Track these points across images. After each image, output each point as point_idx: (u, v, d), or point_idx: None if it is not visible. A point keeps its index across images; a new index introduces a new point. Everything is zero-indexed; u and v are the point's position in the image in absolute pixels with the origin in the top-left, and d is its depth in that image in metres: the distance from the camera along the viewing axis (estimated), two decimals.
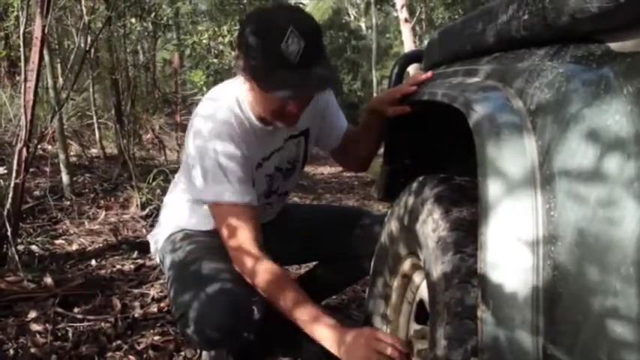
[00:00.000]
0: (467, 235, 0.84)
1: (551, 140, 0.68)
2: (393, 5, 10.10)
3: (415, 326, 1.14)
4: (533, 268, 0.64)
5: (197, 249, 1.43)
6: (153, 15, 5.55)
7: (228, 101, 1.33)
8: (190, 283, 1.30)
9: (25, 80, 2.23)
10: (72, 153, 4.82)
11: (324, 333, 1.10)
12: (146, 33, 6.39)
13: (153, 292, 2.21)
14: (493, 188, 0.70)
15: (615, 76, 0.66)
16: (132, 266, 2.55)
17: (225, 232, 1.27)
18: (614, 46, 0.70)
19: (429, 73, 1.19)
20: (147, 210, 3.43)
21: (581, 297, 0.59)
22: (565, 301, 0.60)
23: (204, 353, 1.45)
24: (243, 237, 1.24)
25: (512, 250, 0.66)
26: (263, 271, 1.20)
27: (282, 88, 1.16)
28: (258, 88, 1.24)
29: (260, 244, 1.25)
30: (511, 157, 0.70)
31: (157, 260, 1.57)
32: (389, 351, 1.00)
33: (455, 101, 0.89)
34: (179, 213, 1.53)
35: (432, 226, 0.92)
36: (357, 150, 1.57)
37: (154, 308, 2.07)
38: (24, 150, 2.24)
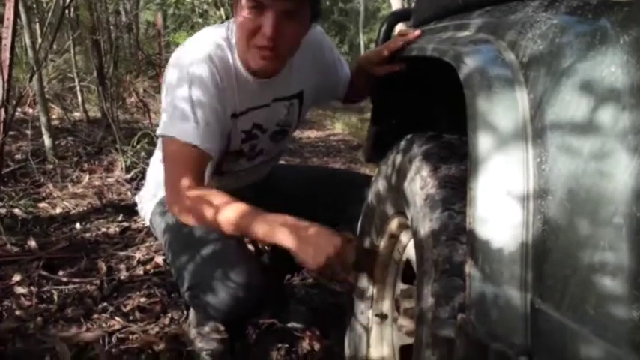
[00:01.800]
0: (455, 192, 0.83)
1: (543, 93, 0.66)
2: None
3: (402, 285, 1.14)
4: (522, 223, 0.63)
5: None
6: None
7: (216, 38, 1.26)
8: (191, 247, 1.25)
9: (0, 38, 2.15)
10: (54, 116, 4.72)
11: (283, 236, 1.10)
12: None
13: (139, 255, 2.20)
14: (483, 142, 0.68)
15: (612, 26, 0.64)
16: (117, 229, 2.53)
17: (170, 168, 1.23)
18: None
19: (418, 32, 1.15)
20: (131, 173, 3.38)
21: (570, 251, 0.58)
22: (554, 255, 0.59)
23: (191, 313, 1.45)
24: (185, 176, 1.19)
25: (501, 205, 0.64)
26: (200, 196, 1.18)
27: None
28: (238, 6, 1.19)
29: (199, 185, 1.22)
30: (502, 110, 0.68)
31: (147, 222, 1.54)
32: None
33: (445, 55, 0.86)
34: None
35: (420, 183, 0.91)
36: (349, 93, 1.56)
37: (139, 271, 2.06)
38: (2, 111, 2.18)
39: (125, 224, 2.59)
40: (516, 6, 0.83)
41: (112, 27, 5.42)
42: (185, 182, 1.19)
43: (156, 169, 1.55)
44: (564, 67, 0.66)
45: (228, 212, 1.15)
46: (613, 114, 0.60)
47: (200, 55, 1.23)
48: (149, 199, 1.51)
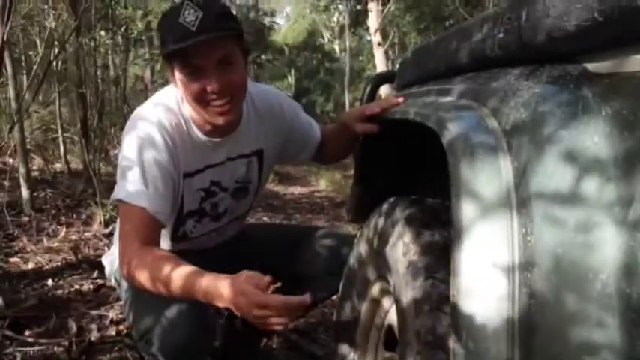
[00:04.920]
0: (439, 259, 0.80)
1: (527, 162, 0.65)
2: (367, 29, 10.21)
3: (384, 353, 1.10)
4: (508, 295, 0.60)
5: None
6: (123, 29, 5.48)
7: (169, 101, 1.27)
8: (151, 304, 1.23)
9: None
10: (35, 167, 4.67)
11: (218, 296, 1.03)
12: (117, 47, 6.30)
13: (112, 314, 2.11)
14: (466, 211, 0.67)
15: (593, 97, 0.64)
16: (91, 286, 2.44)
17: (122, 230, 1.22)
18: (591, 66, 0.68)
19: (402, 98, 1.16)
20: (110, 227, 3.31)
21: (559, 327, 0.55)
22: (542, 331, 0.57)
23: None
24: (135, 238, 1.17)
25: (486, 277, 0.62)
26: (145, 260, 1.14)
27: (177, 47, 1.13)
28: (175, 74, 1.19)
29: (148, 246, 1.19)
30: (485, 178, 0.67)
31: (113, 282, 1.49)
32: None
33: (428, 120, 0.86)
34: None
35: (402, 249, 0.88)
36: (328, 152, 1.55)
37: (112, 331, 1.97)
38: None
39: (100, 281, 2.50)
40: (498, 73, 0.84)
41: (99, 80, 5.45)
42: (134, 244, 1.17)
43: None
44: (547, 136, 0.65)
45: (171, 275, 1.10)
46: (597, 185, 0.59)
47: (151, 119, 1.24)
48: (117, 260, 1.46)
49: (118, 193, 1.23)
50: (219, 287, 1.01)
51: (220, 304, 1.04)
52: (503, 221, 0.63)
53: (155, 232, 1.23)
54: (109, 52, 6.20)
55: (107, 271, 1.53)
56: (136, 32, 5.71)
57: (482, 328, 0.60)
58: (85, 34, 4.42)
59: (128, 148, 1.24)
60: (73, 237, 3.18)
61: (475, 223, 0.65)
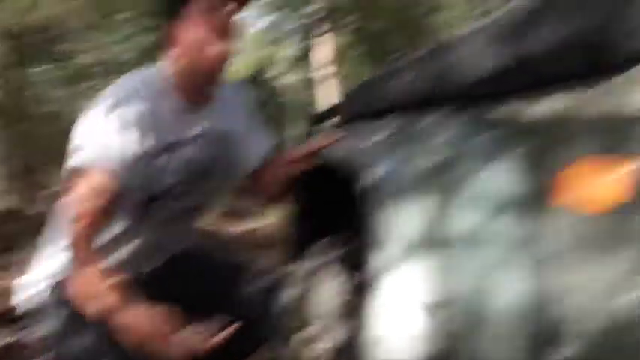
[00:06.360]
0: (362, 302, 0.80)
1: (442, 203, 0.66)
2: (315, 63, 10.40)
3: None
4: (425, 335, 0.60)
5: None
6: (69, 61, 5.35)
7: (143, 75, 1.21)
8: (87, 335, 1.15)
9: None
10: None
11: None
12: (61, 81, 6.11)
13: None
14: (382, 254, 0.67)
15: (506, 138, 0.67)
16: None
17: (76, 213, 1.11)
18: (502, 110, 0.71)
19: (334, 138, 1.17)
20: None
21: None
22: None
23: None
24: (93, 213, 1.10)
25: (403, 318, 0.62)
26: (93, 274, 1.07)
27: None
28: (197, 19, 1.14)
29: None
30: (401, 221, 0.68)
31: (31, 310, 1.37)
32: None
33: (346, 166, 0.87)
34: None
35: (329, 292, 0.88)
36: (263, 182, 1.50)
37: None
38: None
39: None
40: (422, 113, 0.86)
41: (39, 115, 5.30)
42: (89, 221, 1.09)
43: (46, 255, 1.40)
44: (463, 175, 0.67)
45: (104, 294, 1.04)
46: (509, 224, 0.61)
47: (127, 88, 1.17)
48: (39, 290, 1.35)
49: (74, 162, 1.11)
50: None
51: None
52: (420, 262, 0.64)
53: (111, 211, 1.14)
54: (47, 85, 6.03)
55: (27, 295, 1.39)
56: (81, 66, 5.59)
57: None
58: (25, 66, 4.30)
59: (93, 116, 1.13)
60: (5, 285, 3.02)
61: (391, 265, 0.65)
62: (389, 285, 0.64)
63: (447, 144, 0.70)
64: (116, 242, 1.19)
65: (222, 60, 1.21)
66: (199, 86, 1.22)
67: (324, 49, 9.45)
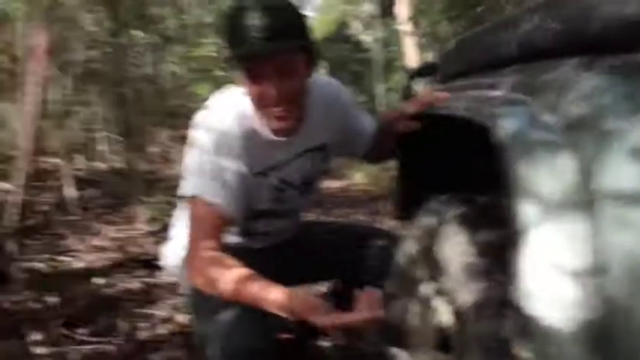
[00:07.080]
0: (496, 261, 0.78)
1: (591, 159, 0.62)
2: (397, 19, 10.06)
3: (438, 355, 1.08)
4: (579, 300, 0.57)
5: None
6: (157, 27, 5.54)
7: (238, 102, 1.28)
8: (214, 307, 1.24)
9: (28, 93, 2.20)
10: (78, 167, 4.79)
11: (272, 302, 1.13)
12: (151, 46, 6.38)
13: (161, 313, 2.15)
14: (527, 211, 0.64)
15: None
16: (139, 285, 2.50)
17: (193, 229, 1.24)
18: None
19: (446, 94, 1.12)
20: (154, 225, 3.37)
21: (636, 334, 0.53)
22: (622, 337, 0.54)
23: None
24: (205, 237, 1.22)
25: (553, 280, 0.59)
26: (211, 262, 1.20)
27: (241, 52, 1.15)
28: (241, 77, 1.20)
29: (219, 250, 1.23)
30: (547, 177, 0.64)
31: (177, 278, 1.52)
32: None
33: (478, 116, 0.83)
34: None
35: (455, 249, 0.86)
36: (374, 151, 1.53)
37: (162, 330, 2.01)
38: (27, 165, 2.20)
39: (147, 280, 2.56)
40: (552, 64, 0.80)
41: (136, 79, 5.55)
42: (204, 244, 1.21)
43: (182, 225, 1.52)
44: (612, 131, 0.62)
45: (233, 280, 1.16)
46: None
47: (224, 119, 1.26)
48: (179, 257, 1.47)
49: (191, 189, 1.25)
50: (288, 298, 1.11)
51: (273, 309, 1.12)
52: (568, 222, 0.60)
53: (223, 230, 1.26)
54: (143, 50, 6.30)
55: (167, 262, 1.53)
56: (169, 30, 5.78)
57: (553, 334, 0.57)
58: (121, 34, 4.49)
59: (202, 146, 1.25)
60: (119, 235, 3.26)
61: (539, 224, 0.62)
62: (534, 247, 0.61)
63: (595, 93, 0.65)
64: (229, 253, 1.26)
65: (285, 102, 1.21)
66: (283, 129, 1.27)
67: (406, 5, 9.12)
